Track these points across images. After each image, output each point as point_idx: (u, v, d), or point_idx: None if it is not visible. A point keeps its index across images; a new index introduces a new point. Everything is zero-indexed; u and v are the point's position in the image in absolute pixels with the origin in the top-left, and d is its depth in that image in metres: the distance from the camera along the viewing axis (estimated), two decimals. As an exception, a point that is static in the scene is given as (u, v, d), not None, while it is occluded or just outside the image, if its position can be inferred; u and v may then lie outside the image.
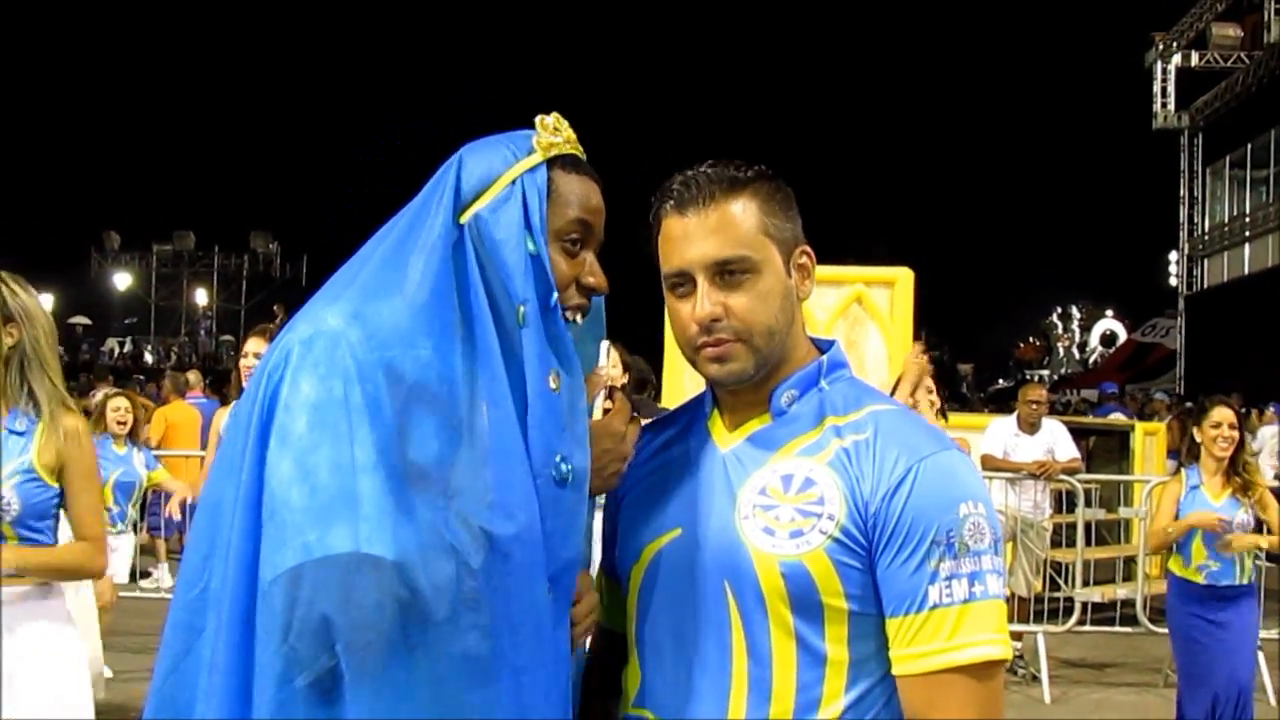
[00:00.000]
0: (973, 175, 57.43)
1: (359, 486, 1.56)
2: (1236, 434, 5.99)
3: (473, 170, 1.81)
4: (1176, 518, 6.00)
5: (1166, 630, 8.35)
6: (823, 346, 1.94)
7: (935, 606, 1.70)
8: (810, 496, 1.76)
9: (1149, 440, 11.97)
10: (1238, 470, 5.96)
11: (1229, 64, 27.92)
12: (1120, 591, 9.06)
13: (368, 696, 1.55)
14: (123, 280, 50.11)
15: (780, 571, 1.74)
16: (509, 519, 1.65)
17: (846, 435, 1.80)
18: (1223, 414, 5.99)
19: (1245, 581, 5.96)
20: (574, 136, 1.88)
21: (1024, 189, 57.53)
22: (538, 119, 1.86)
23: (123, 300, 50.17)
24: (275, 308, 22.37)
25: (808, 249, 1.90)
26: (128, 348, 43.78)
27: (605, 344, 6.34)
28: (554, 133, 1.85)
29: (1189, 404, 19.81)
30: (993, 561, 1.74)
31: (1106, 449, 12.44)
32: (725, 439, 1.88)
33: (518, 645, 1.64)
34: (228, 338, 45.70)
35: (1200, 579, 5.92)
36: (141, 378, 17.08)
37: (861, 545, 1.74)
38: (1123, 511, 10.54)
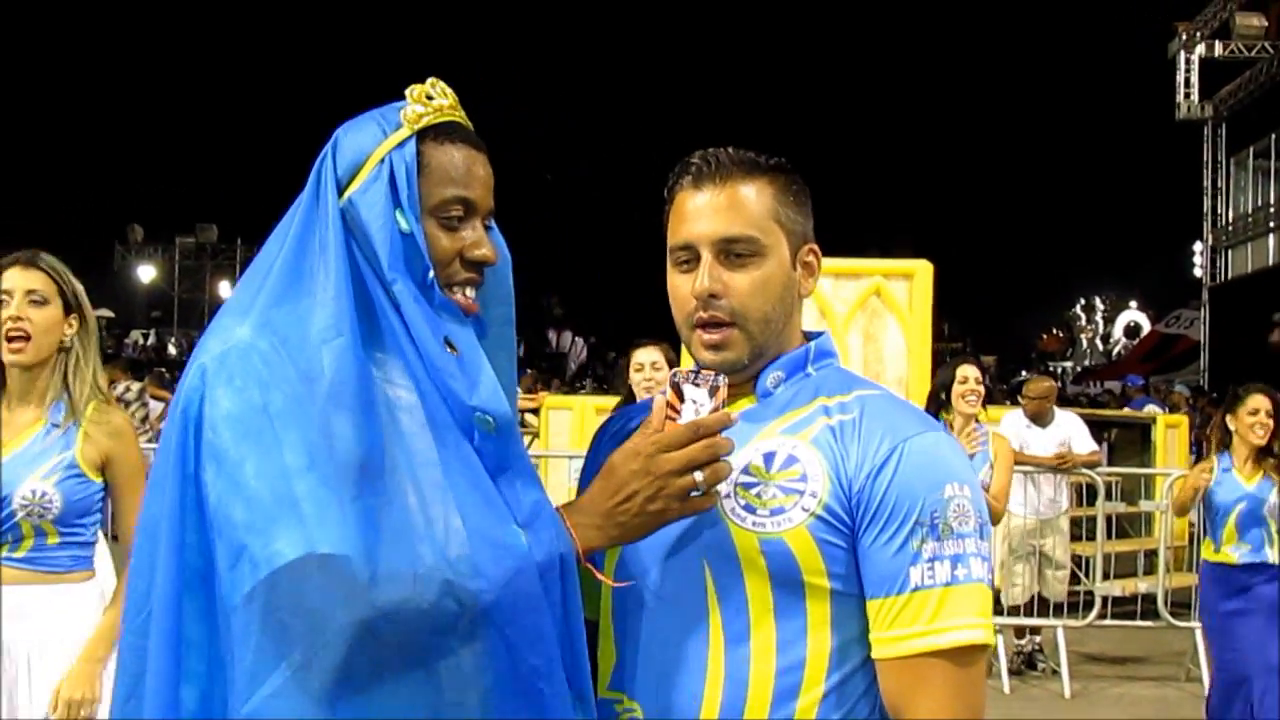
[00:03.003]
0: (995, 166, 57.22)
1: (295, 490, 1.55)
2: (1272, 421, 6.01)
3: (345, 151, 1.77)
4: (1202, 500, 6.14)
5: (1188, 624, 8.37)
6: (811, 336, 1.93)
7: (917, 588, 1.68)
8: (793, 474, 1.75)
9: (1171, 433, 11.92)
10: (1272, 452, 6.01)
11: (1253, 54, 27.68)
12: (1141, 585, 8.99)
13: (357, 698, 1.54)
14: (146, 273, 50.30)
15: (760, 549, 1.72)
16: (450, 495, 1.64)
17: (834, 415, 1.79)
18: (1260, 401, 6.03)
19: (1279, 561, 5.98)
20: (451, 103, 1.81)
21: (1047, 180, 57.31)
22: (408, 89, 1.79)
23: (146, 293, 50.35)
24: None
25: (815, 249, 1.90)
26: (151, 340, 43.95)
27: (652, 348, 6.17)
28: (424, 102, 1.79)
29: (1214, 395, 19.72)
30: (976, 545, 1.71)
31: (1128, 441, 12.40)
32: None
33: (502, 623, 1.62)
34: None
35: (1234, 560, 5.97)
36: (163, 370, 17.11)
37: (845, 524, 1.72)
38: (1144, 505, 10.48)
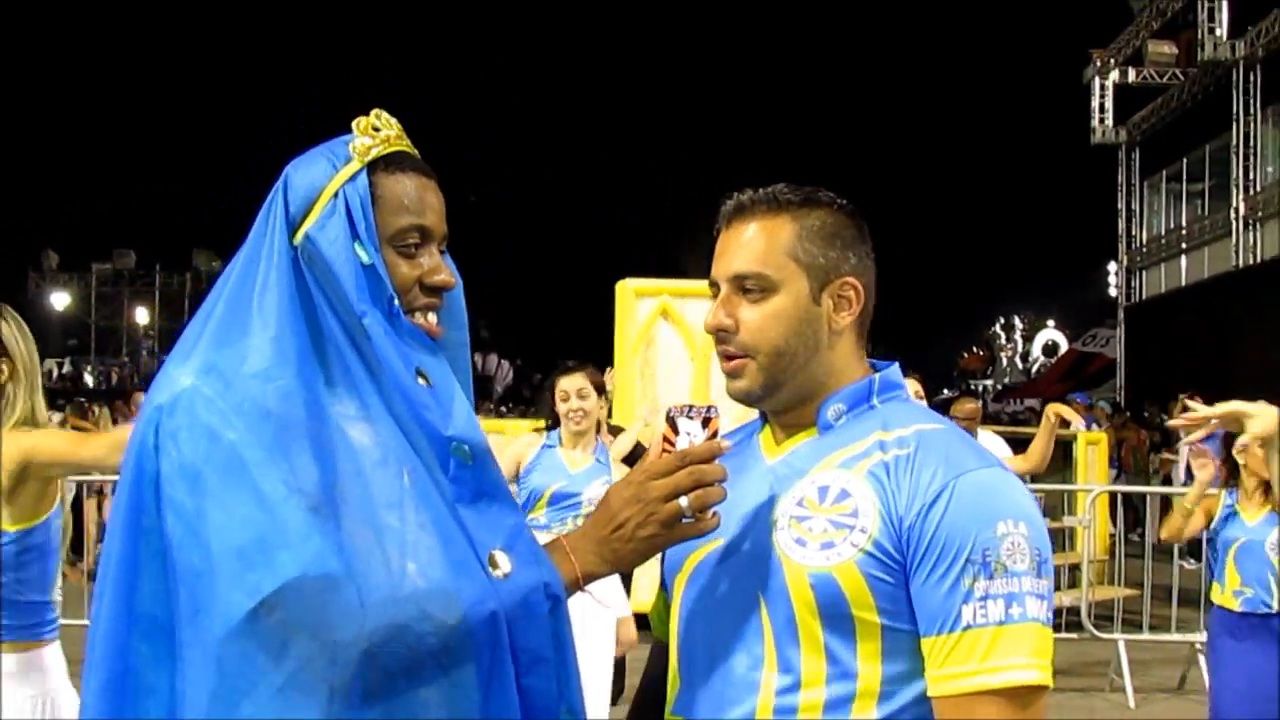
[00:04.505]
0: (914, 189, 57.94)
1: (274, 518, 1.55)
2: None
3: (297, 188, 1.76)
4: (1207, 536, 5.65)
5: (1111, 636, 8.51)
6: (879, 368, 1.94)
7: (969, 627, 1.65)
8: (844, 509, 1.75)
9: (1091, 449, 12.12)
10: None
11: (1164, 80, 28.30)
12: (1065, 599, 9.15)
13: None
14: (61, 300, 49.45)
15: (809, 582, 1.72)
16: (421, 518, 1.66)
17: (890, 450, 1.78)
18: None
19: None
20: (397, 133, 1.82)
21: (966, 202, 58.11)
22: (354, 122, 1.81)
23: (62, 321, 49.45)
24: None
25: (854, 283, 1.88)
26: (67, 369, 43.22)
27: (577, 375, 6.20)
28: (371, 133, 1.80)
29: (1128, 414, 20.07)
30: (1034, 584, 1.68)
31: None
32: (773, 451, 1.90)
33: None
34: (170, 358, 44.96)
35: (1236, 605, 5.43)
36: (83, 400, 16.79)
37: (895, 560, 1.71)
38: (1066, 520, 10.66)
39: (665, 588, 1.97)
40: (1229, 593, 5.46)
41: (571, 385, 5.65)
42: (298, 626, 1.52)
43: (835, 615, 1.72)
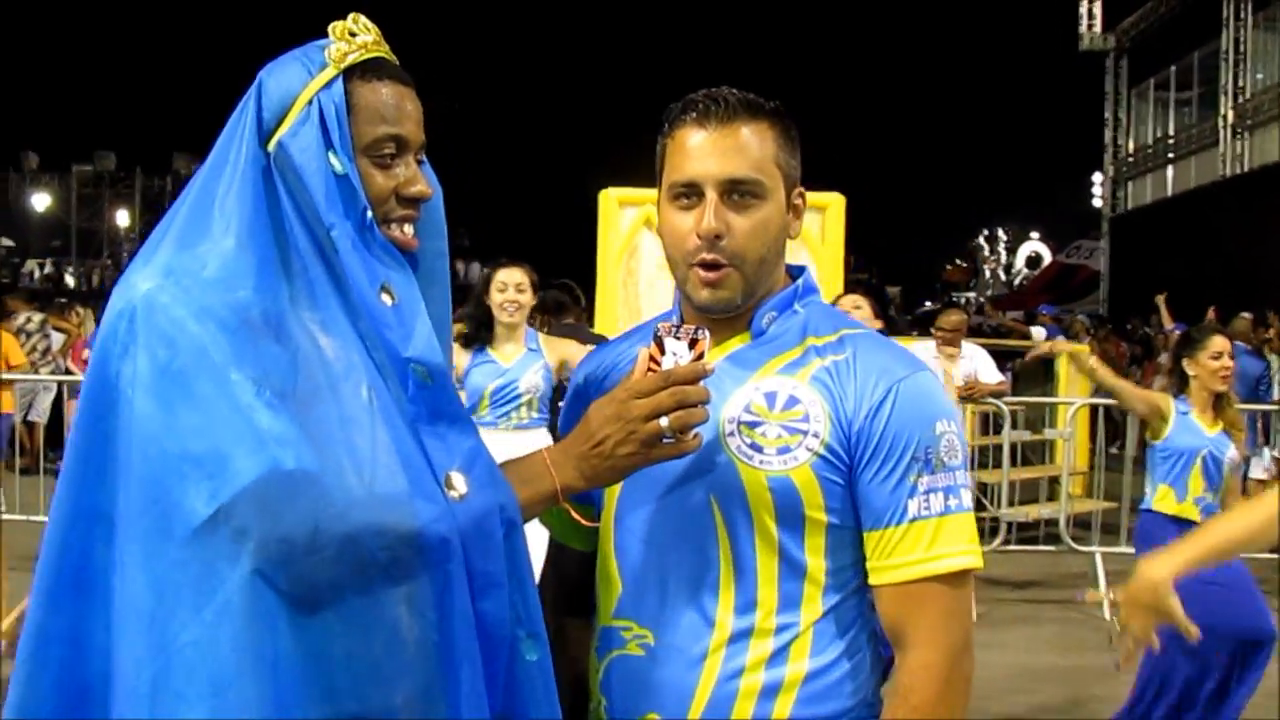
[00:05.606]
0: (899, 99, 57.51)
1: (231, 427, 1.54)
2: (1233, 364, 5.51)
3: (271, 94, 1.72)
4: (1161, 430, 5.47)
5: (1089, 549, 8.61)
6: (794, 272, 2.00)
7: (914, 519, 1.81)
8: (795, 414, 1.84)
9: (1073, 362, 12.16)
10: (1226, 400, 5.48)
11: (1155, -14, 28.08)
12: (1044, 511, 9.23)
13: (312, 616, 1.54)
14: (41, 201, 48.97)
15: (768, 486, 1.82)
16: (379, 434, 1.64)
17: (826, 355, 1.88)
18: (1222, 343, 5.45)
19: None
20: (375, 38, 1.78)
21: (951, 112, 57.71)
22: (330, 26, 1.76)
23: (43, 222, 49.07)
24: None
25: (803, 191, 1.96)
26: (49, 270, 42.96)
27: (516, 269, 6.19)
28: (348, 39, 1.75)
29: (1110, 326, 20.11)
30: (964, 476, 1.85)
31: (1031, 371, 12.62)
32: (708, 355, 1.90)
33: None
34: (151, 261, 44.68)
35: (1196, 514, 5.29)
36: (64, 301, 16.70)
37: (843, 461, 1.83)
38: (1047, 433, 10.75)
39: (587, 497, 1.96)
40: (1189, 500, 5.37)
41: (511, 278, 5.83)
42: (249, 535, 1.50)
43: (790, 516, 1.83)
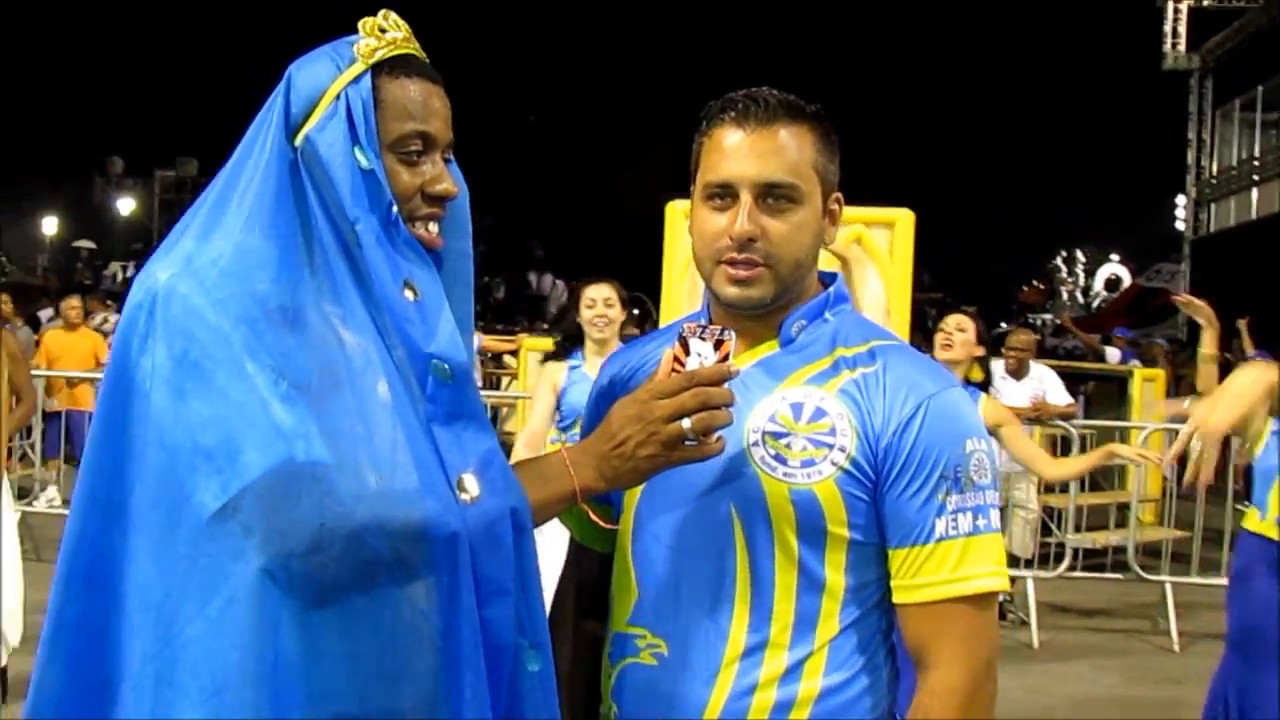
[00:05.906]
0: (978, 116, 57.05)
1: (244, 419, 1.53)
2: None
3: (300, 88, 1.72)
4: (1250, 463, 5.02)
5: (1159, 578, 8.40)
6: (826, 280, 1.98)
7: (941, 539, 1.78)
8: (822, 427, 1.81)
9: (1147, 386, 11.95)
10: None
11: (1241, 4, 27.62)
12: (1113, 538, 9.04)
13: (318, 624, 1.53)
14: (126, 205, 50.05)
15: (790, 499, 1.79)
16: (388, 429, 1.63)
17: (857, 367, 1.84)
18: None
19: None
20: (404, 35, 1.77)
21: (1031, 130, 57.18)
22: (360, 22, 1.75)
23: (127, 225, 50.09)
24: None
25: (840, 197, 1.94)
26: (130, 272, 43.79)
27: (604, 285, 6.21)
28: (377, 35, 1.74)
29: (1189, 350, 19.73)
30: (993, 496, 1.83)
31: (1104, 394, 12.48)
32: (736, 361, 1.85)
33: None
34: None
35: (1276, 534, 4.74)
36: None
37: (869, 477, 1.79)
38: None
39: (605, 500, 1.95)
40: (1270, 519, 4.85)
41: (599, 294, 5.79)
42: (255, 531, 1.50)
43: (811, 530, 1.80)
